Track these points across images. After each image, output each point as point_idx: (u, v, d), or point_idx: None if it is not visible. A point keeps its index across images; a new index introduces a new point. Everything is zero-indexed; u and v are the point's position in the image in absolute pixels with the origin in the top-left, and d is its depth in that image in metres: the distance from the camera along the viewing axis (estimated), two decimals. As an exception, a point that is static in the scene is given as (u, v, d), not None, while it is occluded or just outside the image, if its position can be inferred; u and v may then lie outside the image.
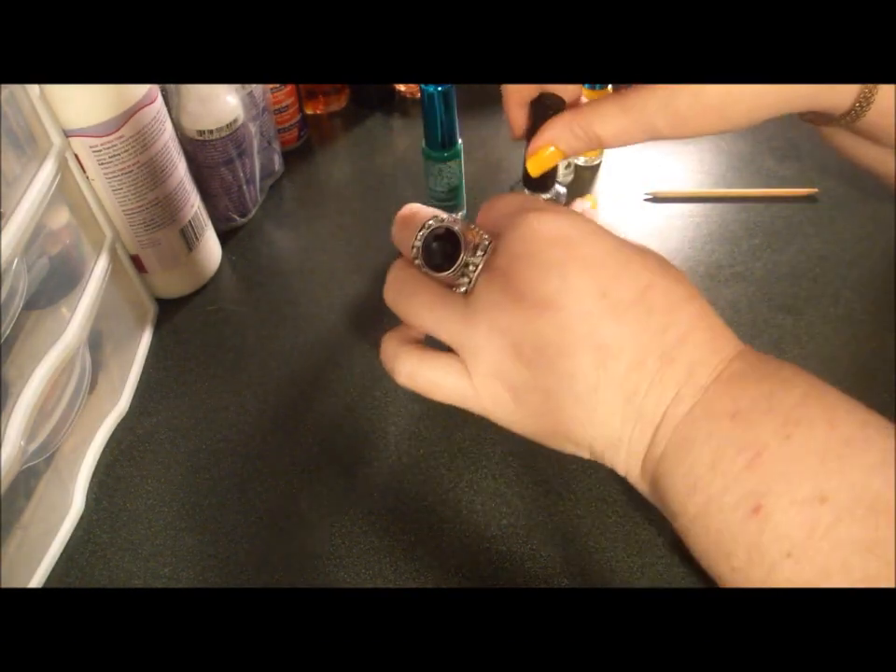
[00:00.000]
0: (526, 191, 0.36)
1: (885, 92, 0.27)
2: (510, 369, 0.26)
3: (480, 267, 0.27)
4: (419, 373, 0.28)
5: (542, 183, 0.35)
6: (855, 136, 0.32)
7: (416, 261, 0.28)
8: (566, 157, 0.32)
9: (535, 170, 0.32)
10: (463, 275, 0.27)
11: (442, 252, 0.27)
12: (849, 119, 0.29)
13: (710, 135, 0.28)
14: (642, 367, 0.24)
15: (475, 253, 0.27)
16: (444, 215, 0.28)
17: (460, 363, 0.27)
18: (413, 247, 0.28)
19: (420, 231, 0.28)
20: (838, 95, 0.28)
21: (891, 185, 0.34)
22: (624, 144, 0.30)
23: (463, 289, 0.27)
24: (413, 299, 0.28)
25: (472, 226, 0.28)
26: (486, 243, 0.27)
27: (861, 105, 0.28)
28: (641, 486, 0.26)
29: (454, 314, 0.27)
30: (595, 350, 0.24)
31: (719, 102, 0.27)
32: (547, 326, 0.25)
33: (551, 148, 0.31)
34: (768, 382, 0.23)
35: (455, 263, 0.27)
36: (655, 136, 0.29)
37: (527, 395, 0.26)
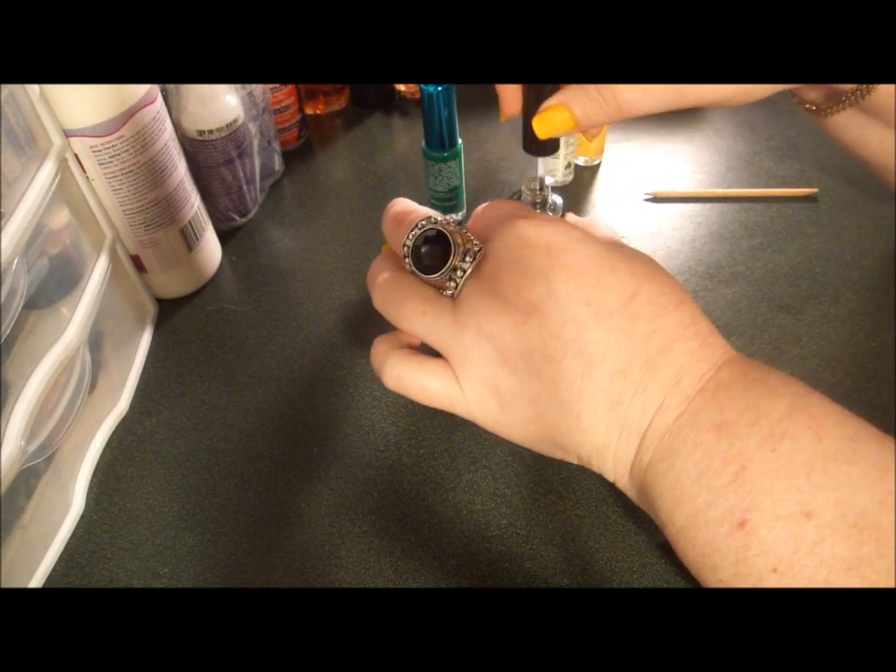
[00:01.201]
0: (540, 164, 0.34)
1: None
2: (496, 374, 0.26)
3: (468, 272, 0.27)
4: (408, 377, 0.28)
5: (544, 145, 0.32)
6: (858, 123, 0.31)
7: (406, 260, 0.28)
8: (578, 127, 0.29)
9: (542, 131, 0.30)
10: (450, 279, 0.27)
11: (432, 254, 0.27)
12: (857, 95, 0.28)
13: (732, 105, 0.27)
14: (626, 375, 0.24)
15: (464, 258, 0.27)
16: (439, 216, 0.28)
17: (449, 368, 0.27)
18: (403, 245, 0.28)
19: (412, 230, 0.27)
20: None
21: (891, 177, 0.34)
22: (647, 110, 0.28)
23: (450, 293, 0.27)
24: (404, 304, 0.28)
25: (464, 230, 0.28)
26: (476, 249, 0.27)
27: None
28: (630, 493, 0.26)
29: (443, 318, 0.27)
30: (580, 357, 0.24)
31: None
32: (532, 331, 0.25)
33: (564, 113, 0.29)
34: (755, 391, 0.23)
35: (444, 267, 0.27)
36: (682, 100, 0.27)
37: (513, 400, 0.26)
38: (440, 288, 0.28)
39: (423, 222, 0.27)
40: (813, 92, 0.32)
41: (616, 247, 0.26)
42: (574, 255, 0.25)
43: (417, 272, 0.27)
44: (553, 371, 0.25)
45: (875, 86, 0.28)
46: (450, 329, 0.27)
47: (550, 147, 0.32)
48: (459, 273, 0.27)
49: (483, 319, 0.26)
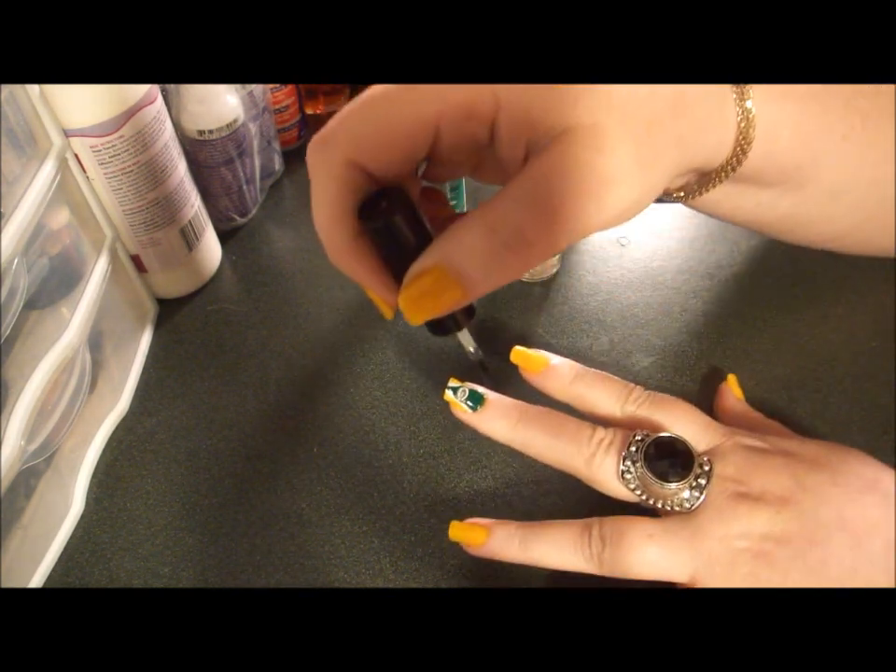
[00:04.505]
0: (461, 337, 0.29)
1: (762, 133, 0.27)
2: (754, 570, 0.26)
3: (711, 479, 0.28)
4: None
5: (442, 324, 0.25)
6: (729, 194, 0.30)
7: (633, 465, 0.29)
8: (471, 296, 0.21)
9: (414, 315, 0.21)
10: (694, 488, 0.28)
11: (669, 463, 0.29)
12: (728, 169, 0.27)
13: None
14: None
15: (701, 466, 0.28)
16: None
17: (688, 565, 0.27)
18: (629, 450, 0.29)
19: (638, 435, 0.29)
20: (713, 147, 0.27)
21: (774, 233, 0.34)
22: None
23: (688, 505, 0.28)
24: (625, 535, 0.28)
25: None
26: (706, 459, 0.29)
27: (742, 148, 0.27)
28: None
29: (677, 536, 0.28)
30: (844, 532, 0.26)
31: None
32: (790, 520, 0.26)
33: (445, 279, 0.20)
34: None
35: (687, 475, 0.28)
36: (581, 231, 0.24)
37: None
38: (663, 502, 0.29)
39: (639, 434, 0.29)
40: (680, 179, 0.29)
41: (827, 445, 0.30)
42: (811, 451, 0.29)
43: (655, 479, 0.28)
44: (819, 553, 0.26)
45: (745, 157, 0.27)
46: (687, 547, 0.27)
47: (456, 322, 0.24)
48: (703, 480, 0.28)
49: (732, 522, 0.27)
